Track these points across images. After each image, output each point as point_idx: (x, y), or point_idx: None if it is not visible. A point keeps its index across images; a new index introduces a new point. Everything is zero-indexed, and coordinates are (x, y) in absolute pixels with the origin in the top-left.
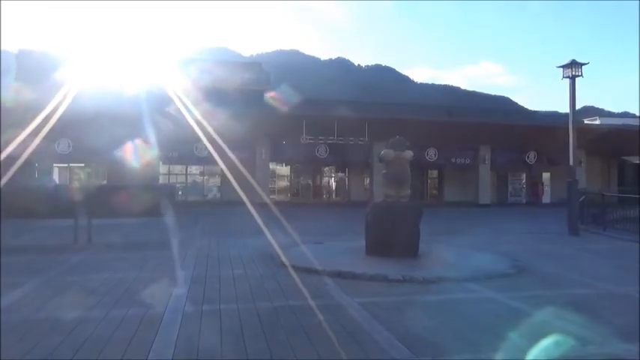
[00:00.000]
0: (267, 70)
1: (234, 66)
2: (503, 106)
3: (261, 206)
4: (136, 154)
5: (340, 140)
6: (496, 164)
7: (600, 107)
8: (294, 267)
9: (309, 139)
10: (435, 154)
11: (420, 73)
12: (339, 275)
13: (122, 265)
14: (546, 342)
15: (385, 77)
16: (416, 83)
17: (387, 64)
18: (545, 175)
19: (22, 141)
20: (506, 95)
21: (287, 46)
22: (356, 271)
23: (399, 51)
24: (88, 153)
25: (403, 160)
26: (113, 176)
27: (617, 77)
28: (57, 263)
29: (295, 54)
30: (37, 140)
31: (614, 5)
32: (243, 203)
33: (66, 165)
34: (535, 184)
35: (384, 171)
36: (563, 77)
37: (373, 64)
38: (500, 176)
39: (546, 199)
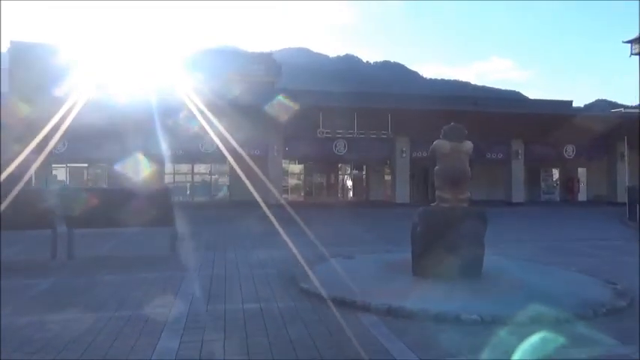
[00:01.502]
0: (278, 60)
1: (244, 57)
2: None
3: (274, 207)
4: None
5: (361, 134)
6: (529, 159)
7: (612, 100)
8: (323, 298)
9: (327, 132)
10: None
11: (429, 69)
12: (388, 313)
13: (98, 296)
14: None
15: (394, 73)
16: (425, 79)
17: (396, 61)
18: (581, 171)
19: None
20: (517, 90)
21: (295, 43)
22: (412, 306)
23: (408, 48)
24: (84, 152)
25: (462, 154)
26: (115, 178)
27: (615, 72)
28: (16, 292)
29: (304, 51)
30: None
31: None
32: (255, 204)
33: (64, 166)
34: (570, 181)
35: (437, 167)
36: (632, 54)
37: (382, 60)
38: (531, 172)
39: (582, 196)
